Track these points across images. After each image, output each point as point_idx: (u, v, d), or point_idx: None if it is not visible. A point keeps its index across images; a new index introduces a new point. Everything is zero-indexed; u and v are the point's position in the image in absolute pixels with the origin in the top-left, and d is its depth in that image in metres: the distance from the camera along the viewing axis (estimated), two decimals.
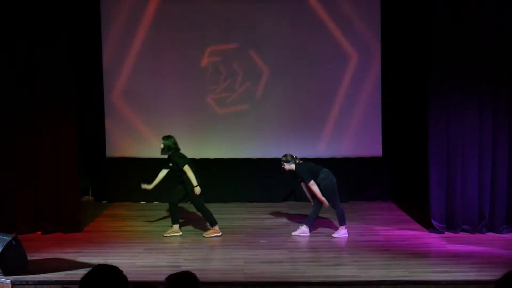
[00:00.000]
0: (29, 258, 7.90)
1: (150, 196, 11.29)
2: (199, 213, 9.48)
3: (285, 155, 9.14)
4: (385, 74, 11.03)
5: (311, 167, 9.14)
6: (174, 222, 9.31)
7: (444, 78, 9.18)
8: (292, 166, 9.09)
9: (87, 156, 10.83)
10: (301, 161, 9.17)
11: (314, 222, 9.37)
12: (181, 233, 9.31)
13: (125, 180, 11.29)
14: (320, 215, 10.26)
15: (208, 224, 9.37)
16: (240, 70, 11.07)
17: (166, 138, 9.28)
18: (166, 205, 11.00)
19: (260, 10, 10.96)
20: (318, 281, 7.54)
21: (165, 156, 9.33)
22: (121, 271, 3.29)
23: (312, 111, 11.12)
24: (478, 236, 9.21)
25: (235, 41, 11.01)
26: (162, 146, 9.26)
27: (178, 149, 9.28)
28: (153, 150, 11.11)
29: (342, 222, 9.18)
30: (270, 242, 9.02)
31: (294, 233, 9.30)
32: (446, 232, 9.30)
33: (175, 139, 9.28)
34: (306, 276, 7.70)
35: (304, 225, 9.31)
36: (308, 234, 9.26)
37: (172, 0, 11.05)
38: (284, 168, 9.16)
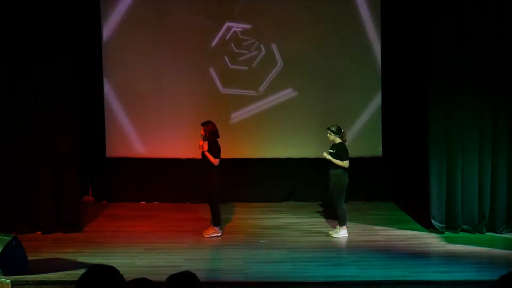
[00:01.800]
0: (29, 258, 7.90)
1: (150, 196, 11.32)
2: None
3: (334, 126, 9.15)
4: (385, 74, 11.03)
5: (348, 155, 9.16)
6: (216, 224, 9.26)
7: (444, 78, 9.18)
8: (337, 139, 9.10)
9: (87, 156, 10.83)
10: (346, 142, 9.21)
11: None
12: (220, 233, 9.28)
13: (125, 180, 11.30)
14: (320, 215, 10.29)
15: (211, 223, 9.31)
16: (244, 67, 11.09)
17: (206, 123, 9.11)
18: (166, 205, 11.06)
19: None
20: (318, 281, 7.54)
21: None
22: (117, 271, 3.29)
23: (313, 111, 11.12)
24: (478, 236, 9.21)
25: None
26: (202, 132, 9.05)
27: (218, 136, 9.17)
28: (153, 150, 11.16)
29: (342, 223, 9.18)
30: (270, 242, 9.02)
31: (335, 235, 9.24)
32: (446, 232, 9.30)
33: (214, 124, 9.16)
34: (306, 276, 7.70)
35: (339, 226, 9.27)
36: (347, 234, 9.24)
37: (172, 1, 11.07)
38: (328, 137, 9.16)
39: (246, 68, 11.04)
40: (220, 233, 9.23)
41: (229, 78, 11.11)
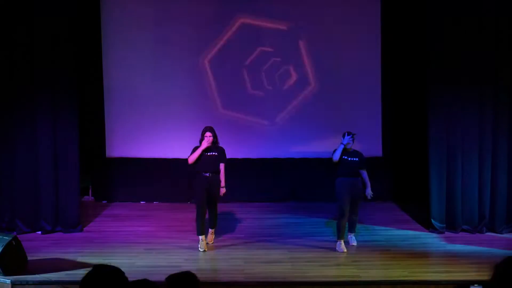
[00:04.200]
0: (29, 258, 7.91)
1: (150, 196, 11.32)
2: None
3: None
4: (385, 74, 11.03)
5: None
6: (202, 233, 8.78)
7: (444, 78, 9.18)
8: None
9: (87, 156, 10.83)
10: None
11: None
12: (199, 242, 8.79)
13: (125, 180, 11.31)
14: (320, 215, 10.27)
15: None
16: (243, 70, 11.09)
17: (212, 128, 8.72)
18: (166, 205, 11.07)
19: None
20: (318, 281, 7.54)
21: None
22: (122, 272, 3.29)
23: (312, 111, 11.12)
24: (478, 236, 9.22)
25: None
26: (212, 138, 8.59)
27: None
28: (153, 150, 11.15)
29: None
30: (270, 242, 9.00)
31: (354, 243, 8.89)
32: (446, 232, 9.31)
33: None
34: (306, 276, 7.70)
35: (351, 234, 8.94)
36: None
37: None
38: (352, 144, 8.59)
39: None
40: (199, 243, 8.70)
41: (231, 79, 11.14)
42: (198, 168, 8.70)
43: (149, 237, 9.27)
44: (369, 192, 8.73)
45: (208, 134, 8.64)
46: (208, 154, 8.67)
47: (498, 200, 9.31)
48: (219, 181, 8.74)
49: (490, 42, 9.08)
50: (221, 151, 8.77)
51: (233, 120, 11.13)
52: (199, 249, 8.63)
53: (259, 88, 11.12)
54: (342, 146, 8.53)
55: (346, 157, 8.62)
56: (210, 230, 8.94)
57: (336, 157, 8.55)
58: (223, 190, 8.76)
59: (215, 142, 8.69)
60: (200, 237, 8.69)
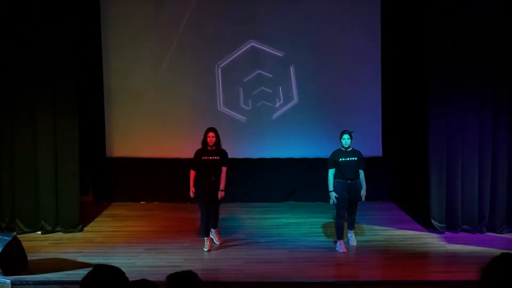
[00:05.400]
0: (29, 258, 7.91)
1: (150, 196, 11.31)
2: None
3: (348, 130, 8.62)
4: (385, 74, 11.02)
5: None
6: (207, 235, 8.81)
7: (444, 78, 9.18)
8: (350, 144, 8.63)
9: (87, 156, 10.82)
10: None
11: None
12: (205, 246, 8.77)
13: (125, 180, 11.30)
14: (320, 215, 10.26)
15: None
16: (243, 68, 11.08)
17: (215, 129, 8.64)
18: (166, 205, 11.06)
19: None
20: (318, 281, 7.54)
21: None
22: (122, 272, 3.29)
23: (312, 112, 11.11)
24: (478, 236, 9.22)
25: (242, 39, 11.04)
26: (214, 138, 8.54)
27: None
28: (153, 149, 11.14)
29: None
30: (270, 242, 9.01)
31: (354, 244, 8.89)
32: (446, 232, 9.31)
33: None
34: (306, 276, 7.70)
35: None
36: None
37: None
38: (346, 142, 8.54)
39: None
40: (204, 244, 8.75)
41: (230, 78, 11.13)
42: (201, 174, 8.65)
43: (149, 237, 9.28)
44: (363, 194, 8.71)
45: (210, 134, 8.59)
46: (210, 158, 8.61)
47: (498, 200, 9.30)
48: (218, 185, 8.68)
49: (491, 42, 9.07)
50: (224, 154, 8.70)
51: (233, 121, 11.12)
52: (204, 249, 8.64)
53: (257, 89, 11.13)
54: (331, 193, 8.54)
55: (343, 159, 8.61)
56: (213, 230, 8.93)
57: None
58: (221, 194, 8.70)
59: (217, 143, 8.64)
60: (206, 238, 8.70)
